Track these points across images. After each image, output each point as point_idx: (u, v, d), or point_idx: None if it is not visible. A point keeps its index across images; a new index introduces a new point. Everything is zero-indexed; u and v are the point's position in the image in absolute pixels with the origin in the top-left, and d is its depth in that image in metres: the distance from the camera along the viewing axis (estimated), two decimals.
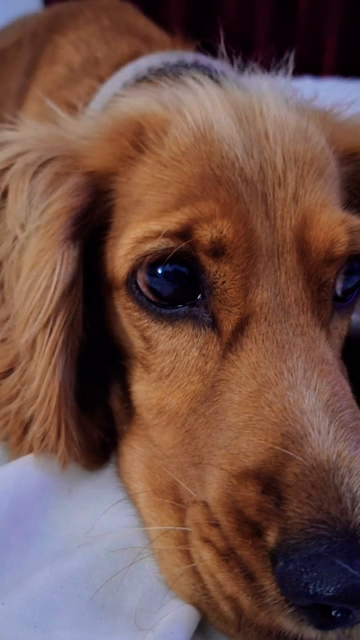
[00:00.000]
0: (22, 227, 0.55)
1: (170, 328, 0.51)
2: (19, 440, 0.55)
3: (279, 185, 0.51)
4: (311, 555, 0.36)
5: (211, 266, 0.49)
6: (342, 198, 0.57)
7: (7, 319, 0.56)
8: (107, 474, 0.55)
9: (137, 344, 0.53)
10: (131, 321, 0.53)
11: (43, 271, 0.52)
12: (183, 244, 0.48)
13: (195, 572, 0.43)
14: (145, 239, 0.50)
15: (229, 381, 0.47)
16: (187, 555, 0.44)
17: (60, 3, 1.28)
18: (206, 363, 0.49)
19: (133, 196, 0.53)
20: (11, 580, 0.46)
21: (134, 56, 0.87)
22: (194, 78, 0.58)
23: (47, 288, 0.51)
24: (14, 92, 1.11)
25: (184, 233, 0.48)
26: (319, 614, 0.37)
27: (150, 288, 0.51)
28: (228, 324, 0.49)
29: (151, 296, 0.51)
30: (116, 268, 0.53)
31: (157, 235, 0.49)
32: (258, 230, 0.49)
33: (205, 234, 0.48)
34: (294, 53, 0.66)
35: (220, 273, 0.49)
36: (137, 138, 0.54)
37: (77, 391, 0.54)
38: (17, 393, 0.55)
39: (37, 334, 0.52)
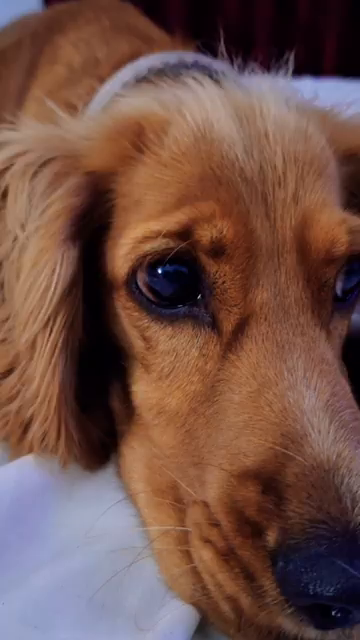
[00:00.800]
0: (22, 227, 0.55)
1: (170, 328, 0.51)
2: (19, 440, 0.55)
3: (279, 185, 0.50)
4: (311, 555, 0.36)
5: (211, 266, 0.49)
6: (342, 198, 0.57)
7: (7, 319, 0.56)
8: (107, 474, 0.55)
9: (137, 344, 0.53)
10: (131, 321, 0.53)
11: (43, 271, 0.52)
12: (183, 244, 0.48)
13: (195, 572, 0.43)
14: (145, 239, 0.50)
15: (229, 381, 0.47)
16: (187, 555, 0.44)
17: (60, 3, 1.28)
18: (206, 363, 0.49)
19: (133, 196, 0.53)
20: (11, 580, 0.46)
21: (134, 56, 0.87)
22: (194, 78, 0.58)
23: (47, 288, 0.51)
24: (14, 92, 1.11)
25: (184, 233, 0.48)
26: (319, 614, 0.37)
27: (150, 288, 0.51)
28: (228, 324, 0.49)
29: (151, 296, 0.51)
30: (116, 268, 0.53)
31: (157, 235, 0.49)
32: (258, 230, 0.49)
33: (205, 234, 0.48)
34: (294, 53, 0.66)
35: (220, 273, 0.49)
36: (137, 138, 0.54)
37: (77, 391, 0.54)
38: (17, 393, 0.55)
39: (37, 334, 0.52)
